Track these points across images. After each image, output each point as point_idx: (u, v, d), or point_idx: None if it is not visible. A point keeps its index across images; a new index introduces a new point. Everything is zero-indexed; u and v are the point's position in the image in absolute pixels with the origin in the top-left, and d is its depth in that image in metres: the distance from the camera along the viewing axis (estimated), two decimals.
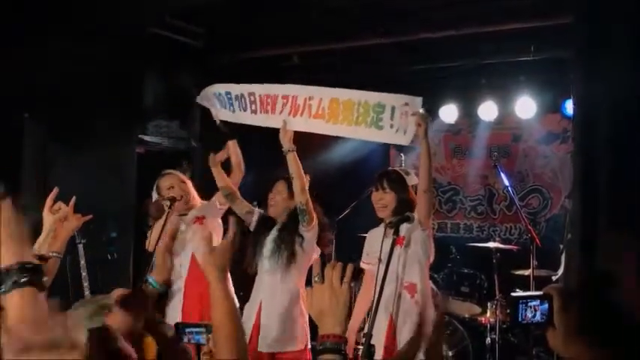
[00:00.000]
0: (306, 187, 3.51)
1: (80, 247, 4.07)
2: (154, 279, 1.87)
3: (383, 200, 3.41)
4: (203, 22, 5.12)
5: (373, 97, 3.27)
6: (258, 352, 3.52)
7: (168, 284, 1.88)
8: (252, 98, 3.80)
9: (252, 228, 3.83)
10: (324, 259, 3.83)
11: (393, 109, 3.17)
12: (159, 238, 3.54)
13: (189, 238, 3.94)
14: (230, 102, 3.94)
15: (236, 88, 3.89)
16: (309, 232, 3.57)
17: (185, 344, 1.92)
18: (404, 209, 3.32)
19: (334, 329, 1.50)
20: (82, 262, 4.07)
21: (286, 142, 3.49)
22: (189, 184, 4.06)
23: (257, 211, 3.85)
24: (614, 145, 3.38)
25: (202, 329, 1.78)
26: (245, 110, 3.87)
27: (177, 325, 1.89)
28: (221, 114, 4.03)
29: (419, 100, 3.12)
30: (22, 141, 4.19)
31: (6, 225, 1.29)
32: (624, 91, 3.24)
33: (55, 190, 2.27)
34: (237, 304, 3.91)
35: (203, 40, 5.19)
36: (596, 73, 3.43)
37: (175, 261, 3.95)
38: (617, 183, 3.38)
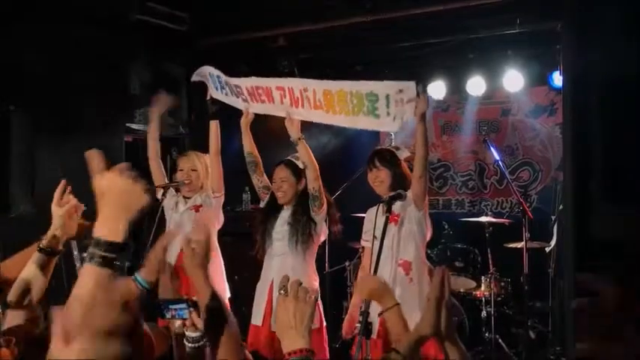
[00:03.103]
0: (319, 174, 3.54)
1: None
2: (143, 278, 1.78)
3: (378, 178, 3.47)
4: (187, 6, 5.05)
5: (364, 86, 3.26)
6: (272, 332, 3.56)
7: (155, 285, 1.83)
8: (239, 90, 3.81)
9: (262, 205, 3.87)
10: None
11: (387, 97, 3.16)
12: (154, 233, 3.64)
13: (184, 222, 4.01)
14: (222, 86, 3.95)
15: (223, 76, 3.91)
16: (320, 215, 3.63)
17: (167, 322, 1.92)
18: (399, 183, 3.38)
19: (298, 344, 1.48)
20: (75, 252, 4.05)
21: (294, 131, 3.52)
22: (202, 169, 4.07)
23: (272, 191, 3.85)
24: (604, 114, 3.39)
25: (184, 305, 1.78)
26: (237, 97, 3.90)
27: (158, 301, 1.86)
28: (214, 93, 4.03)
29: (412, 85, 3.10)
30: (9, 132, 4.14)
31: (120, 196, 1.25)
32: (613, 60, 3.25)
33: (63, 183, 2.18)
34: (228, 295, 3.97)
35: (188, 24, 5.13)
36: (585, 41, 3.44)
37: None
38: (608, 152, 3.40)
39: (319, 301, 3.69)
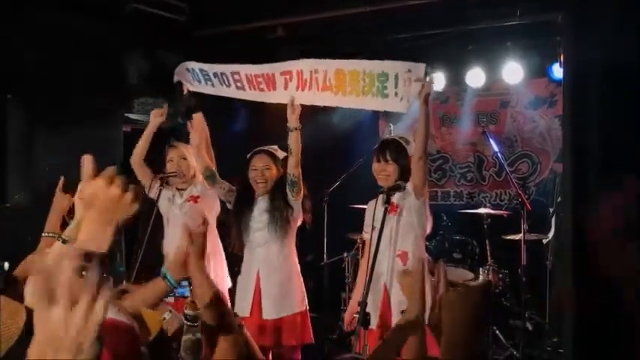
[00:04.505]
0: (299, 161, 3.54)
1: None
2: (172, 276, 1.81)
3: (385, 172, 3.41)
4: None
5: (376, 65, 3.24)
6: (262, 320, 3.59)
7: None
8: (237, 77, 3.78)
9: (229, 206, 3.84)
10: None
11: (396, 76, 3.14)
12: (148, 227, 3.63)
13: (182, 216, 3.98)
14: (207, 78, 3.92)
15: (212, 67, 3.86)
16: (297, 201, 3.65)
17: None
18: (405, 178, 3.34)
19: None
20: None
21: (293, 119, 3.50)
22: (192, 159, 4.02)
23: (236, 189, 3.85)
24: (604, 106, 3.38)
25: (185, 282, 1.78)
26: (229, 86, 3.85)
27: None
28: (195, 87, 4.00)
29: (422, 66, 3.08)
30: (6, 122, 4.12)
31: (107, 206, 1.19)
32: (613, 52, 3.23)
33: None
34: (229, 285, 3.98)
35: (186, 14, 5.10)
36: (585, 33, 3.42)
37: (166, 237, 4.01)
38: (607, 144, 3.39)
39: (302, 286, 3.74)
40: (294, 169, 3.54)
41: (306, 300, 3.73)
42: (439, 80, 6.27)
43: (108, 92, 4.78)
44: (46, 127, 4.35)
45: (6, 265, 3.75)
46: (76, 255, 0.93)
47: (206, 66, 3.90)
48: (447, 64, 6.26)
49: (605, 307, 3.54)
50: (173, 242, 3.88)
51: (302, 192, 3.63)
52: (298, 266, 3.76)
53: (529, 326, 5.26)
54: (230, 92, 3.87)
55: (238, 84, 3.80)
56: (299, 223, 3.75)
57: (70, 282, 0.92)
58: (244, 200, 3.75)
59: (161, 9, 4.95)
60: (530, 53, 5.82)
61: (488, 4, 4.98)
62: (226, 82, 3.85)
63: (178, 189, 4.07)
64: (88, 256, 1.12)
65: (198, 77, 3.96)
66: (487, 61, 6.04)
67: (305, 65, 3.52)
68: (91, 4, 4.41)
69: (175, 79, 4.08)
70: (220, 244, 4.09)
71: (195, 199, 4.01)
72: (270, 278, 3.64)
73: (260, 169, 3.68)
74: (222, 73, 3.83)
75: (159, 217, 4.04)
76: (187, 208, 4.00)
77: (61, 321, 0.90)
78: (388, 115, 6.75)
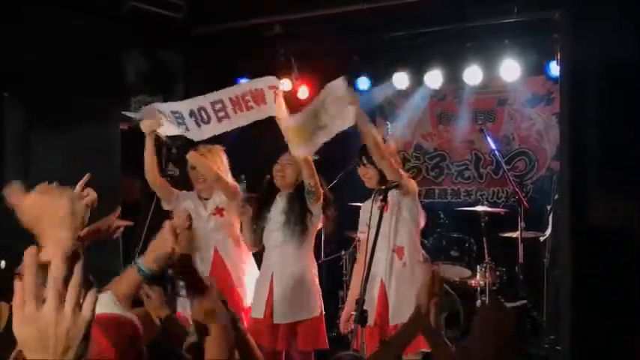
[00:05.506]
0: (314, 170, 3.52)
1: None
2: (145, 265, 1.74)
3: (367, 174, 3.53)
4: None
5: (302, 117, 3.32)
6: (274, 325, 3.56)
7: (159, 272, 1.80)
8: (219, 106, 3.57)
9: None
10: None
11: (323, 103, 3.20)
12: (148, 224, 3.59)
13: (211, 230, 3.84)
14: (181, 120, 3.63)
15: (188, 104, 3.63)
16: (316, 206, 3.61)
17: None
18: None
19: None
20: None
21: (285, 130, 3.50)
22: (216, 164, 3.79)
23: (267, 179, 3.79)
24: (601, 103, 3.39)
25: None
26: (208, 122, 3.58)
27: (160, 275, 1.84)
28: (170, 129, 3.74)
29: (340, 81, 3.15)
30: (3, 121, 4.12)
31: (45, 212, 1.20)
32: (611, 49, 3.24)
33: (87, 176, 2.10)
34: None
35: (183, 12, 5.09)
36: (583, 30, 3.43)
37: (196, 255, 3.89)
38: (605, 142, 3.40)
39: (319, 291, 3.71)
40: (308, 179, 3.52)
41: (322, 306, 3.69)
42: (436, 77, 6.27)
43: (107, 91, 4.77)
44: (43, 125, 4.35)
45: (2, 263, 3.75)
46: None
47: (178, 106, 3.64)
48: (444, 61, 6.24)
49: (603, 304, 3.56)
50: (200, 265, 3.71)
51: (321, 199, 3.59)
52: (315, 271, 3.71)
53: (526, 324, 5.27)
54: (209, 129, 3.60)
55: (220, 114, 3.56)
56: (319, 226, 3.74)
57: (58, 281, 0.93)
58: (267, 195, 3.74)
59: (159, 7, 4.95)
60: (527, 51, 5.81)
61: (485, 1, 4.98)
62: (204, 118, 3.58)
63: (201, 198, 3.90)
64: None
65: (170, 120, 3.68)
66: (484, 58, 6.03)
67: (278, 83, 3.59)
68: (91, 4, 4.40)
69: (138, 116, 3.81)
70: (251, 256, 3.97)
71: (220, 211, 3.85)
72: (283, 282, 3.60)
73: (283, 163, 3.65)
74: (199, 109, 3.57)
75: (157, 214, 4.02)
76: (214, 224, 3.84)
77: (50, 320, 0.91)
78: (385, 114, 6.77)
